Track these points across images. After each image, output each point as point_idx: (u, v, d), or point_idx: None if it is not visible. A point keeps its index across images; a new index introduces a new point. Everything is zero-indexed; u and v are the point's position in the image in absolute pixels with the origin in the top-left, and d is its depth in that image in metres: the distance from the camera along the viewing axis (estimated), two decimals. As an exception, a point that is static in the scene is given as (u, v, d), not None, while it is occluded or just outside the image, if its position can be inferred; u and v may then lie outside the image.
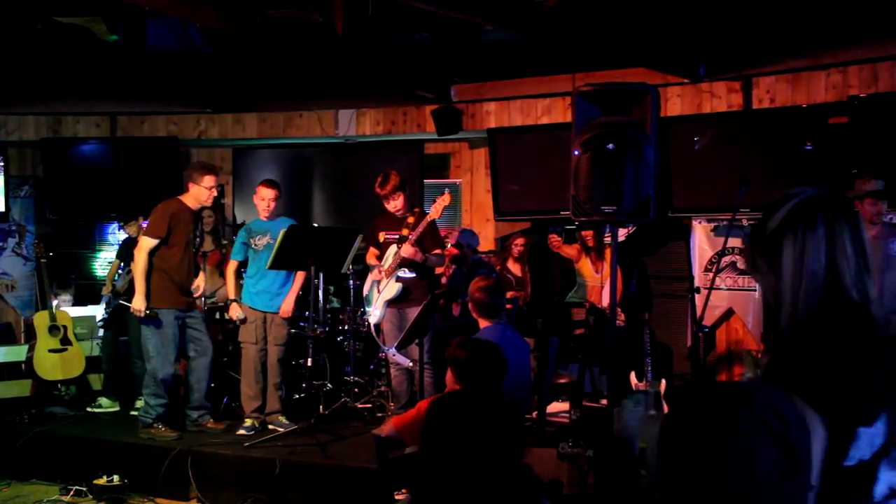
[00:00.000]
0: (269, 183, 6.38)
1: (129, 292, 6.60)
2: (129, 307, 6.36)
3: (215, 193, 6.25)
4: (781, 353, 1.85)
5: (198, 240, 6.34)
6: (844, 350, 1.78)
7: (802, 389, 1.56)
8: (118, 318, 7.11)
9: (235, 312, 6.35)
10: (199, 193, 6.14)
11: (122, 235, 8.80)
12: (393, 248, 6.11)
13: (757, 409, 1.31)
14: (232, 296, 6.38)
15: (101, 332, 7.36)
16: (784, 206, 1.93)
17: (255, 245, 6.31)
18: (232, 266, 6.43)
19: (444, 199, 5.94)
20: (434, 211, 5.91)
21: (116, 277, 7.33)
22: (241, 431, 6.11)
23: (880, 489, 1.77)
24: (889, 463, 1.76)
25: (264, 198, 6.30)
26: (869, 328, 1.83)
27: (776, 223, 1.91)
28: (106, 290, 7.37)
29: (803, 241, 1.86)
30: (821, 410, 1.45)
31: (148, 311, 5.99)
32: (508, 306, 6.70)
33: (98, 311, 7.40)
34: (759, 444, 1.28)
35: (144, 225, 6.35)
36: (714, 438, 1.30)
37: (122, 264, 7.25)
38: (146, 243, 6.05)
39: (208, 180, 6.13)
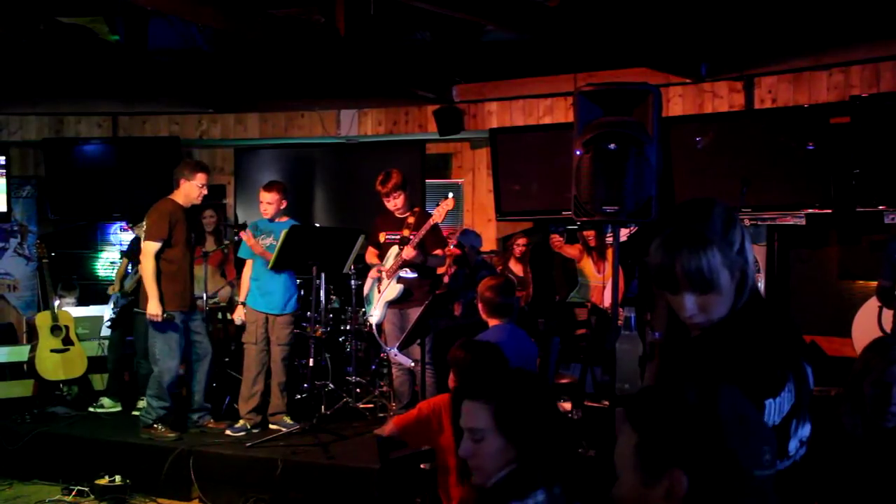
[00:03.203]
0: (266, 186, 6.37)
1: (137, 293, 6.61)
2: (136, 308, 6.36)
3: (205, 192, 6.23)
4: (712, 342, 2.06)
5: (192, 235, 6.32)
6: (768, 333, 2.03)
7: (729, 369, 1.85)
8: (125, 318, 7.11)
9: (238, 316, 6.36)
10: (191, 191, 6.11)
11: (125, 235, 8.83)
12: (394, 249, 6.10)
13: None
14: (242, 298, 6.37)
15: (105, 332, 7.36)
16: (713, 215, 2.10)
17: (260, 245, 6.30)
18: (248, 266, 6.37)
19: (448, 204, 5.92)
20: (437, 215, 5.90)
21: (125, 277, 7.33)
22: (229, 432, 6.10)
23: (793, 444, 2.03)
24: (798, 420, 2.01)
25: (262, 201, 6.30)
26: (784, 313, 2.14)
27: (735, 236, 2.08)
28: (113, 290, 7.37)
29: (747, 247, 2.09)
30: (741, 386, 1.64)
31: (165, 315, 5.97)
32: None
33: (106, 311, 7.39)
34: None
35: None
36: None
37: (129, 264, 7.26)
38: (150, 247, 6.00)
39: (201, 178, 6.12)
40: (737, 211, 6.02)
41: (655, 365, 2.27)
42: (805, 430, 2.07)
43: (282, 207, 6.33)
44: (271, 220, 6.31)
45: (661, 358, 2.30)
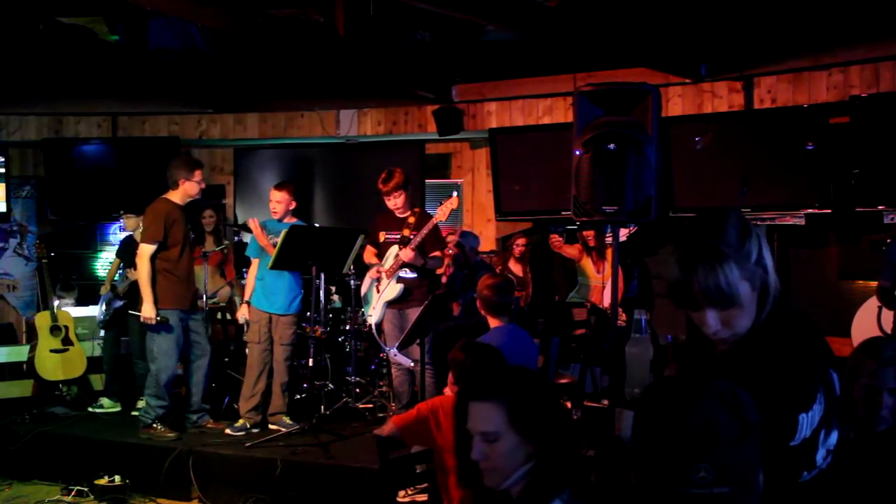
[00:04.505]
0: (277, 185, 6.44)
1: (130, 294, 6.59)
2: (130, 310, 6.33)
3: (204, 186, 6.24)
4: (740, 357, 2.03)
5: (192, 235, 6.32)
6: (797, 345, 2.01)
7: (756, 384, 1.78)
8: (119, 318, 7.10)
9: (242, 315, 6.36)
10: (191, 188, 6.12)
11: (124, 235, 8.82)
12: (394, 249, 6.10)
13: (717, 388, 1.53)
14: (246, 297, 6.38)
15: (101, 333, 7.36)
16: (727, 227, 2.08)
17: (266, 237, 6.31)
18: (254, 265, 6.39)
19: (452, 203, 5.92)
20: (440, 213, 5.89)
21: (117, 278, 7.33)
22: (228, 431, 6.10)
23: (820, 454, 2.03)
24: (825, 431, 2.01)
25: (271, 199, 6.33)
26: (811, 325, 2.08)
27: (752, 248, 2.06)
28: (104, 290, 7.37)
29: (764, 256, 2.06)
30: (767, 403, 1.64)
31: (158, 318, 5.97)
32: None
33: (96, 311, 7.40)
34: (718, 412, 1.49)
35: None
36: (683, 407, 1.50)
37: (121, 264, 7.25)
38: (146, 250, 6.01)
39: (199, 174, 6.15)
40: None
41: (673, 371, 2.25)
42: (832, 439, 2.05)
43: (290, 208, 6.33)
44: (279, 220, 6.32)
45: (681, 367, 2.29)
